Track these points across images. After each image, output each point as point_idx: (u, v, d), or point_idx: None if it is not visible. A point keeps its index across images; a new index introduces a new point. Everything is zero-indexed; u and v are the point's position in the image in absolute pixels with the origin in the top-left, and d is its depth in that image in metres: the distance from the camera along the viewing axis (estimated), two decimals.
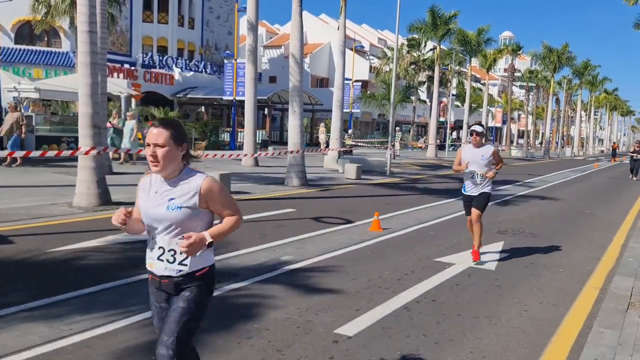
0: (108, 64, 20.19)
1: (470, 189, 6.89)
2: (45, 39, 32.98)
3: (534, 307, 5.30)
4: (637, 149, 22.77)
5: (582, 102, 70.00)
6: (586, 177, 24.31)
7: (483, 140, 6.81)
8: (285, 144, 20.02)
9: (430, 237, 8.55)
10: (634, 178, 22.69)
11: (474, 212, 6.80)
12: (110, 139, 17.23)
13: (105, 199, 9.86)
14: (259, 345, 4.07)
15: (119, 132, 17.75)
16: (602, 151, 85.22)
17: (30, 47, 32.03)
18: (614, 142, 59.15)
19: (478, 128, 6.74)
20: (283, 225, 8.82)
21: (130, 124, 17.18)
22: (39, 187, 11.76)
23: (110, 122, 17.33)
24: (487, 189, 6.84)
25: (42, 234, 7.40)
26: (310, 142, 37.88)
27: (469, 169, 6.77)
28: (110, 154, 14.42)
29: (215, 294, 5.15)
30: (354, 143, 32.34)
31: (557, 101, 67.13)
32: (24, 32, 32.46)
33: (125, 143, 17.06)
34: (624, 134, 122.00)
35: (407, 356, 4.00)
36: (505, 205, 12.78)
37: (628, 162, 23.80)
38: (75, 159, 10.12)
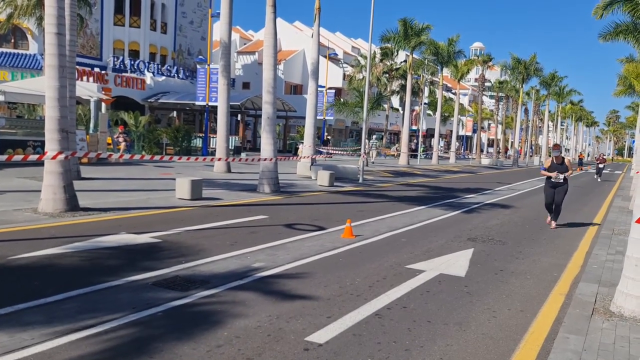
0: (77, 67, 19.84)
1: None
2: (12, 40, 32.19)
3: (502, 313, 5.38)
4: (556, 162, 11.50)
5: (549, 112, 71.75)
6: None
7: None
8: (258, 150, 19.94)
9: (402, 244, 8.61)
10: (554, 223, 11.37)
11: None
12: None
13: (72, 205, 9.64)
14: (229, 353, 4.02)
15: None
16: (569, 160, 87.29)
17: None
18: (580, 152, 61.16)
19: None
20: (255, 232, 8.76)
21: None
22: (2, 192, 11.41)
23: None
24: None
25: (5, 241, 7.16)
26: (284, 149, 37.84)
27: None
28: None
29: (185, 301, 5.12)
30: (326, 150, 32.44)
31: (526, 111, 68.66)
32: None
33: None
34: (589, 144, 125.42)
35: None
36: (475, 213, 12.97)
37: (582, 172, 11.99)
38: (41, 164, 9.87)
